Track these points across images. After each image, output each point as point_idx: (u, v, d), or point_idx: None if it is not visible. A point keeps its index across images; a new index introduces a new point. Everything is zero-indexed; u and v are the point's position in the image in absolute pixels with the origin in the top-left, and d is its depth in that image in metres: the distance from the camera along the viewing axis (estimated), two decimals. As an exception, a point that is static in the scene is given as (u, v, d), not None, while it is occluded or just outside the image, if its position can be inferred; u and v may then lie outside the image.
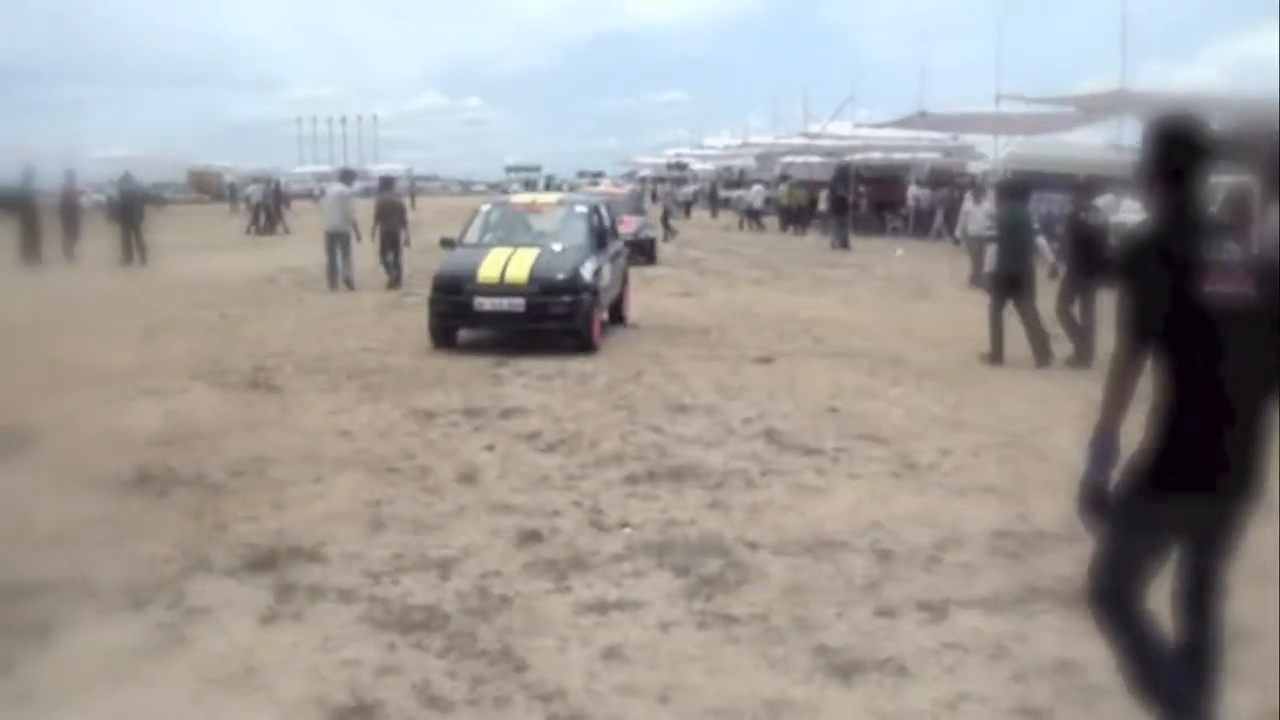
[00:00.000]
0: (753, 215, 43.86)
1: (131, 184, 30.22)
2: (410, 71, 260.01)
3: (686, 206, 54.87)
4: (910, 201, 38.01)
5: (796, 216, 40.98)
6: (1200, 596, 4.08)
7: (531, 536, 6.82)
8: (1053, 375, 12.24)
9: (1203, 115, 4.04)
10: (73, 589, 6.03)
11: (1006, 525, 6.96)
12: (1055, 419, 9.70)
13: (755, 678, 4.93)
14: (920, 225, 36.13)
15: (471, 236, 15.52)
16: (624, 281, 16.50)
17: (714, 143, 66.00)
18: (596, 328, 13.93)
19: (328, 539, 6.77)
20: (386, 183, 24.53)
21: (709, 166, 65.02)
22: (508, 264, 13.79)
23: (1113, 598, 3.97)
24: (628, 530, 6.93)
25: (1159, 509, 3.87)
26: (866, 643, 5.25)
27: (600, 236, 15.23)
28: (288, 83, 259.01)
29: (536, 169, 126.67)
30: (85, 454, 8.77)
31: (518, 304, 13.48)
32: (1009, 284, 12.86)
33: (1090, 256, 12.58)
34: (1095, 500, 3.93)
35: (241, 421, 9.88)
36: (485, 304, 13.59)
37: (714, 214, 52.39)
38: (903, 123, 32.88)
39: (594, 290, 13.86)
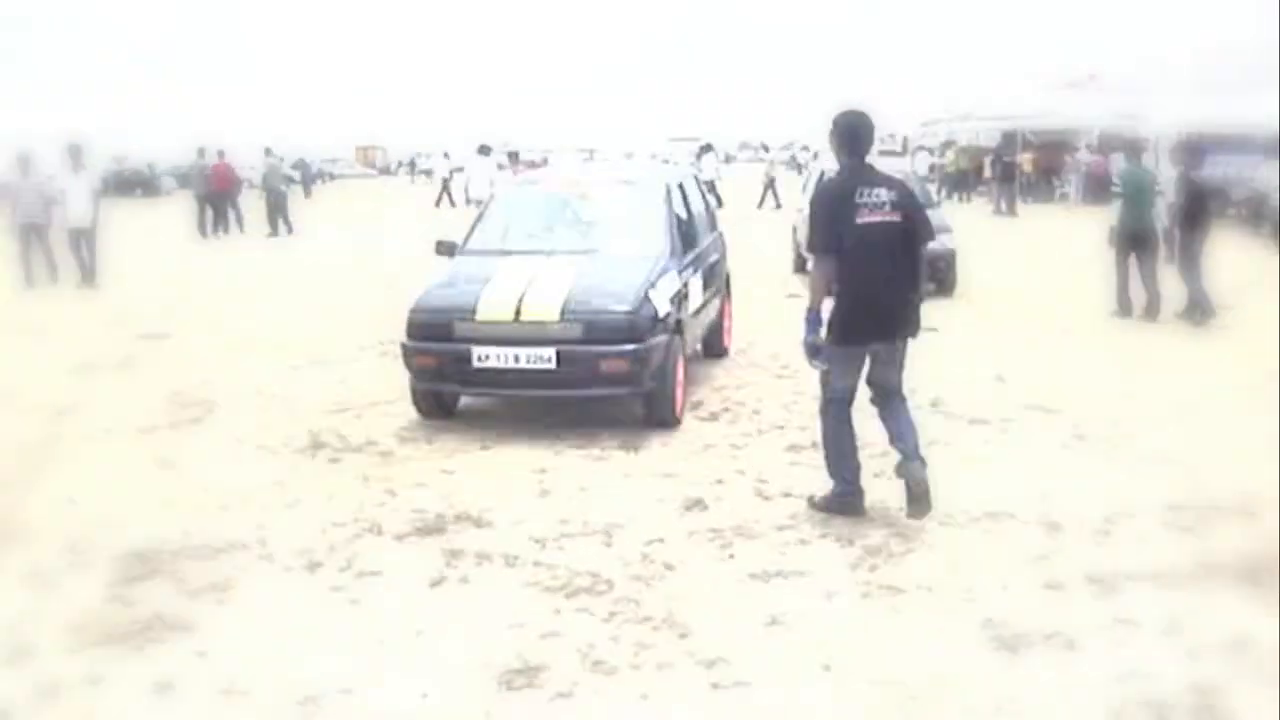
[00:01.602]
0: (920, 183, 43.01)
1: (274, 160, 31.48)
2: (574, 45, 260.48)
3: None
4: (1079, 166, 36.90)
5: (961, 183, 40.13)
6: (884, 394, 6.67)
7: (696, 504, 6.86)
8: (1202, 336, 12.47)
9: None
10: (250, 551, 6.30)
11: (1180, 498, 6.76)
12: (1222, 386, 9.63)
13: (919, 649, 4.90)
14: (1089, 190, 35.07)
15: (480, 238, 9.89)
16: (724, 294, 11.31)
17: (882, 109, 65.00)
18: (680, 388, 8.72)
19: (495, 505, 6.91)
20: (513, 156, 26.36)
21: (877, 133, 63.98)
22: (528, 289, 8.46)
23: (834, 404, 6.62)
24: (791, 500, 6.91)
25: (849, 351, 6.47)
26: (1034, 616, 5.17)
27: (686, 231, 9.90)
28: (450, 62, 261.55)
29: (696, 139, 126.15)
30: (261, 422, 9.09)
31: (543, 357, 8.16)
32: (1131, 240, 13.42)
33: (1197, 216, 13.26)
34: (812, 351, 6.47)
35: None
36: (490, 357, 8.27)
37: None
38: (1071, 85, 31.91)
39: (675, 325, 8.64)
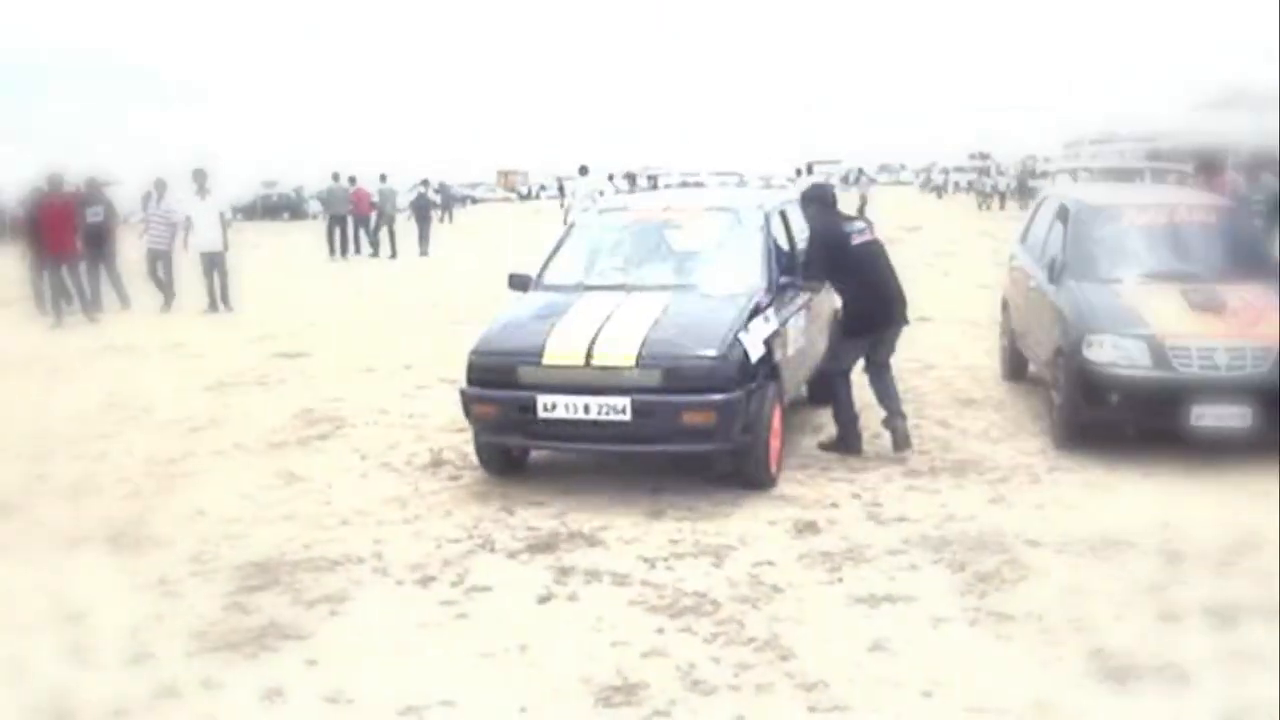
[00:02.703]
0: (1059, 204, 42.24)
1: (388, 188, 32.30)
2: (707, 69, 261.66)
3: (1000, 197, 53.39)
4: (1229, 187, 35.83)
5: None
6: (878, 368, 8.66)
7: (808, 528, 6.82)
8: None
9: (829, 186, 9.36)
10: (367, 565, 6.44)
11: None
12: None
13: (1024, 677, 4.81)
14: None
15: (557, 271, 8.97)
16: (830, 338, 9.77)
17: (1018, 131, 64.04)
18: (776, 444, 7.82)
19: (608, 524, 6.96)
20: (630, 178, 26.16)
21: (1014, 156, 62.98)
22: (602, 329, 7.61)
23: (843, 375, 8.56)
24: (904, 524, 6.83)
25: (859, 340, 8.59)
26: (1146, 647, 5.04)
27: (787, 263, 8.81)
28: (596, 89, 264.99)
29: (838, 161, 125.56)
30: (386, 439, 9.28)
31: (617, 407, 7.25)
32: None
33: None
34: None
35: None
36: (557, 407, 7.37)
37: (1022, 205, 50.74)
38: (1216, 103, 31.02)
39: (770, 371, 7.81)
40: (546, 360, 7.48)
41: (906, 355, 11.57)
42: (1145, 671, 4.81)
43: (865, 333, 8.55)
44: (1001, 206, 51.74)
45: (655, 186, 34.24)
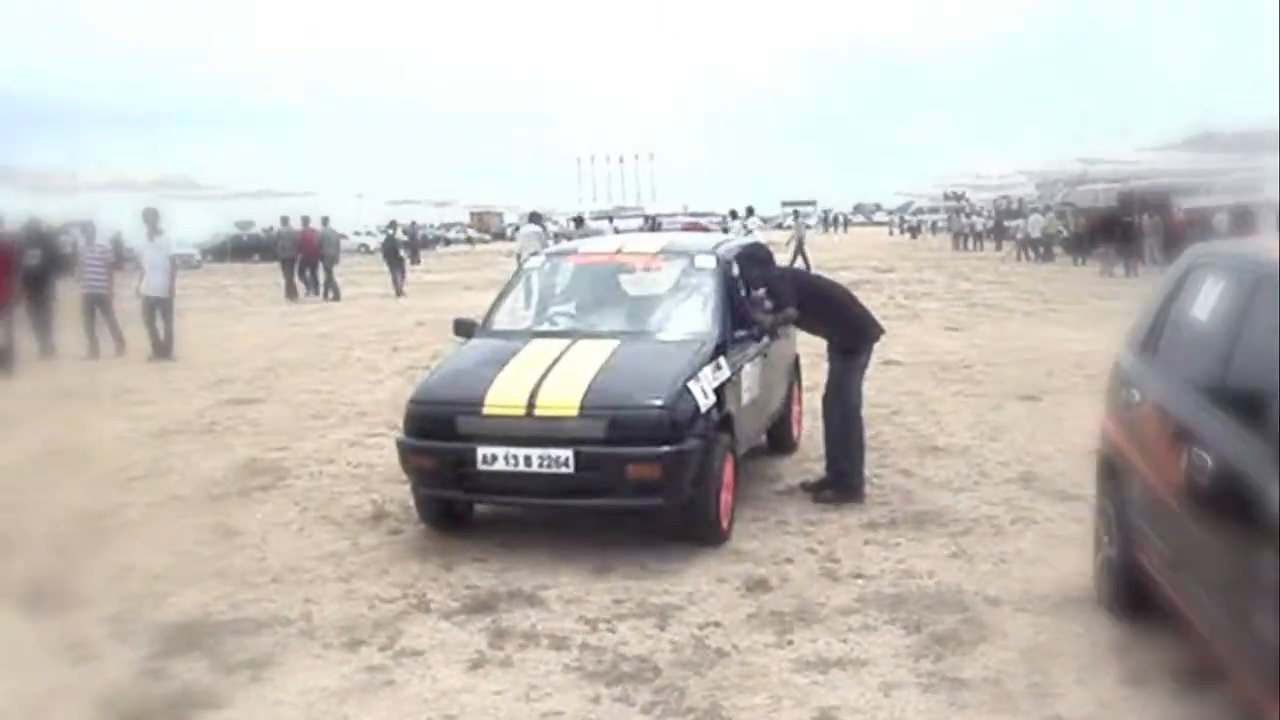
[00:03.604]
0: (1031, 245, 42.28)
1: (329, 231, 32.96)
2: (687, 110, 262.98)
3: (975, 237, 53.49)
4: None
5: (1077, 245, 39.29)
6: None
7: (759, 585, 6.52)
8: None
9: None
10: (293, 626, 6.12)
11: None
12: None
13: (979, 751, 4.50)
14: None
15: (503, 317, 8.67)
16: (789, 385, 9.85)
17: (989, 171, 64.28)
18: (728, 498, 7.44)
19: (550, 582, 6.65)
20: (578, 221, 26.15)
21: (987, 195, 63.34)
22: (545, 377, 7.25)
23: (854, 409, 8.50)
24: (860, 581, 6.54)
25: (858, 359, 8.56)
26: (1108, 715, 4.74)
27: (738, 312, 8.26)
28: (570, 123, 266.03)
29: (813, 202, 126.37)
30: (329, 490, 8.95)
31: (559, 459, 6.88)
32: None
33: None
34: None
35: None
36: (498, 459, 6.98)
37: (998, 245, 50.84)
38: (1188, 145, 31.10)
39: (721, 421, 7.42)
40: (487, 410, 7.13)
41: (872, 402, 11.33)
42: (1108, 744, 4.52)
43: (864, 349, 8.59)
44: (979, 246, 51.78)
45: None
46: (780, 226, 47.35)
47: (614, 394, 7.08)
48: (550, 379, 7.23)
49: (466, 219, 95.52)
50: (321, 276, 30.90)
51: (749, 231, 27.29)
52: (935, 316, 21.69)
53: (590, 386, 7.09)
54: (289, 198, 79.17)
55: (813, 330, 8.89)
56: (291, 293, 30.35)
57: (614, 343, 7.73)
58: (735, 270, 8.59)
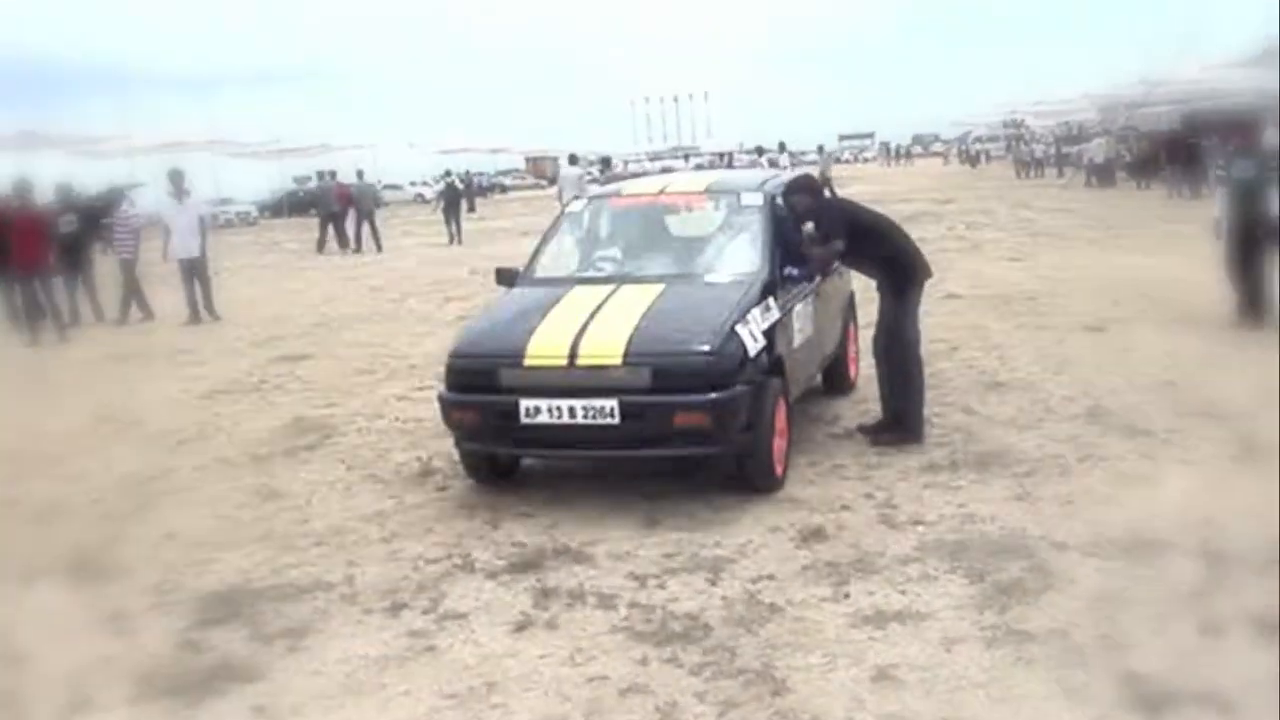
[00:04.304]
0: (1094, 170, 41.32)
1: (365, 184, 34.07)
2: (740, 46, 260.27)
3: (1036, 164, 52.49)
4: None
5: (1141, 169, 38.31)
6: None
7: (815, 535, 6.27)
8: None
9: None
10: (335, 591, 5.98)
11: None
12: None
13: (1046, 709, 4.25)
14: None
15: (545, 264, 8.36)
16: (844, 324, 9.60)
17: (1051, 97, 62.75)
18: (781, 444, 7.18)
19: (599, 537, 6.44)
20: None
21: (1048, 123, 61.93)
22: (588, 325, 7.01)
23: (911, 347, 8.17)
24: (920, 528, 6.27)
25: (911, 295, 8.22)
26: (1185, 668, 4.45)
27: (788, 249, 7.92)
28: (625, 64, 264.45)
29: (870, 135, 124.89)
30: (377, 447, 8.79)
31: (604, 410, 6.63)
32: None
33: None
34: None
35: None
36: (541, 411, 6.74)
37: (1060, 172, 49.81)
38: (1258, 60, 30.05)
39: (772, 365, 7.17)
40: (528, 361, 6.88)
41: (931, 337, 11.06)
42: (1185, 699, 4.23)
43: (917, 285, 8.26)
44: (1040, 174, 50.79)
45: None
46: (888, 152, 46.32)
47: (658, 340, 6.81)
48: (593, 327, 6.97)
49: (523, 165, 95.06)
50: (350, 229, 31.21)
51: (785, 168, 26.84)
52: (996, 247, 21.23)
53: (634, 334, 6.84)
54: (345, 151, 79.50)
55: (859, 267, 8.59)
56: (321, 246, 30.85)
57: (659, 287, 7.45)
58: (783, 206, 8.27)
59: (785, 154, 36.85)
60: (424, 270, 23.70)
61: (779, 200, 8.25)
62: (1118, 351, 10.57)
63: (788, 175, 9.36)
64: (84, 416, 10.72)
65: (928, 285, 8.56)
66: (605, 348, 6.78)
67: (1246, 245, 11.55)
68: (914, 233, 9.15)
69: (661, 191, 9.01)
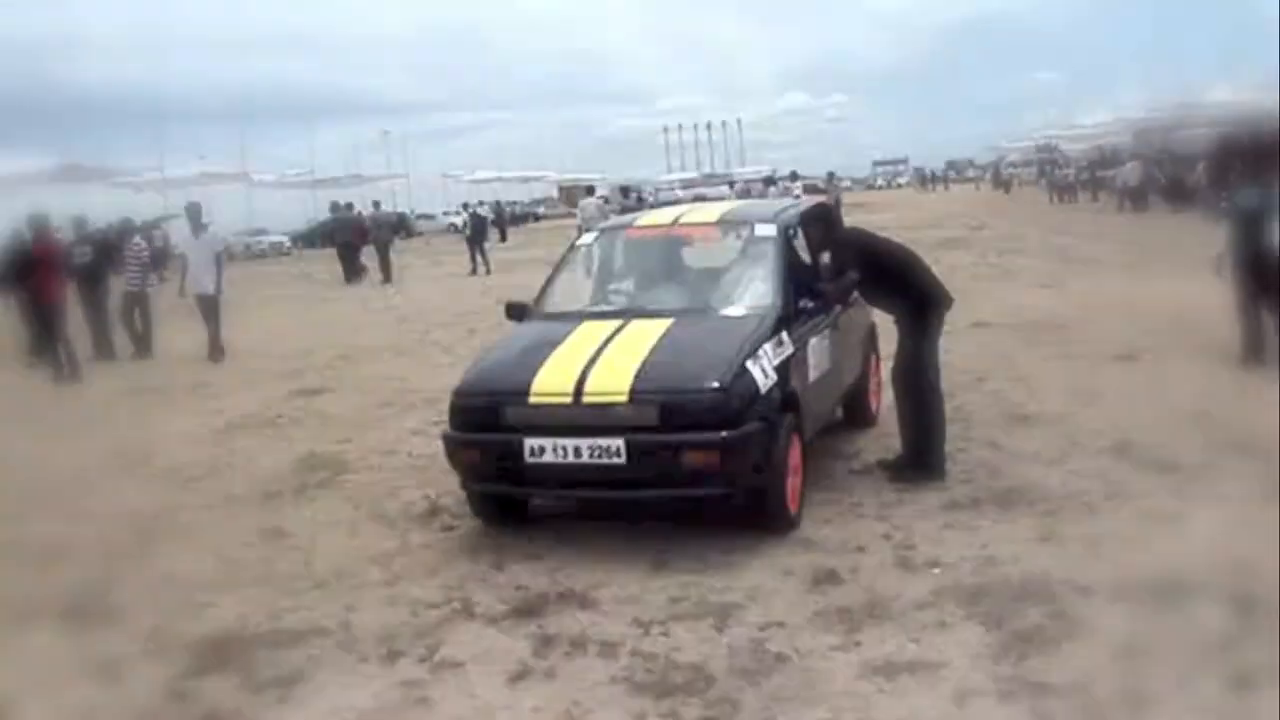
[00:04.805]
0: (1129, 194, 40.88)
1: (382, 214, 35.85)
2: (773, 73, 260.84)
3: (1068, 189, 52.06)
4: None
5: (1175, 193, 37.84)
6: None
7: (828, 578, 6.04)
8: None
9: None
10: (331, 637, 5.80)
11: None
12: None
13: (1063, 773, 3.99)
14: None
15: (555, 297, 8.20)
16: (865, 356, 9.28)
17: (1085, 121, 62.37)
18: (796, 482, 6.95)
19: (605, 580, 6.23)
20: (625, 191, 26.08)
21: (1081, 147, 61.48)
22: (594, 361, 6.79)
23: (930, 381, 7.86)
24: (937, 571, 6.03)
25: (931, 327, 7.93)
26: (1215, 726, 4.20)
27: (804, 286, 7.72)
28: (657, 93, 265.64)
29: (903, 160, 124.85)
30: (387, 485, 8.62)
31: (610, 449, 6.41)
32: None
33: None
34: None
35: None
36: (545, 450, 6.53)
37: (1093, 196, 49.41)
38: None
39: (784, 401, 6.90)
40: (533, 398, 6.67)
41: (957, 368, 10.84)
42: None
43: (937, 315, 7.97)
44: (1074, 199, 50.34)
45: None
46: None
47: (666, 377, 6.59)
48: (599, 363, 6.75)
49: (556, 194, 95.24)
50: (358, 261, 31.70)
51: (796, 197, 26.70)
52: (1028, 273, 20.94)
53: (641, 370, 6.62)
54: (378, 181, 79.92)
55: (874, 302, 8.37)
56: (349, 277, 31.09)
57: (668, 321, 7.22)
58: (799, 236, 8.05)
59: (798, 182, 36.51)
60: (451, 301, 23.57)
61: (794, 230, 8.03)
62: (1149, 382, 10.30)
63: (803, 205, 9.14)
64: (97, 452, 10.59)
65: (954, 314, 8.34)
66: (611, 384, 6.57)
67: (1250, 280, 10.86)
68: (944, 259, 9.02)
69: (674, 223, 8.76)
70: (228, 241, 57.15)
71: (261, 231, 61.87)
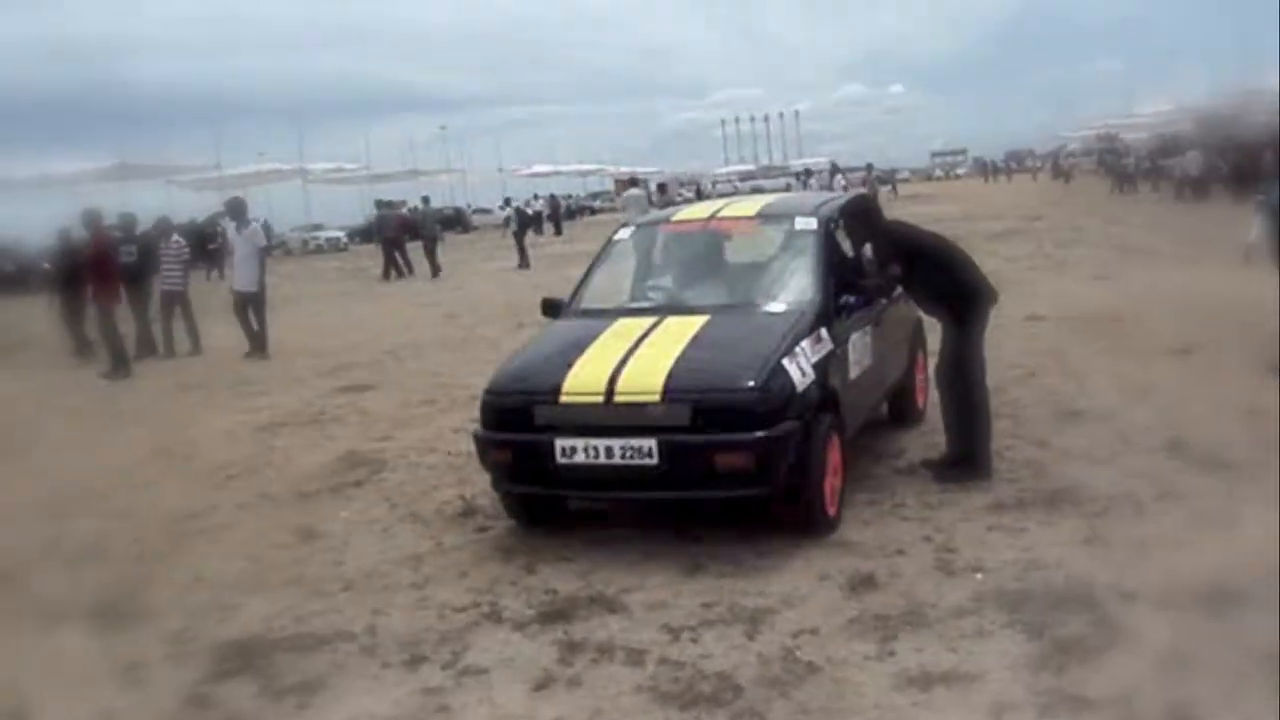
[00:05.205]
0: (1190, 184, 40.14)
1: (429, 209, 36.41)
2: (832, 64, 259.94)
3: (1128, 179, 51.27)
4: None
5: (1236, 183, 37.09)
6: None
7: (865, 583, 5.86)
8: None
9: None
10: (355, 642, 5.70)
11: None
12: None
13: (1101, 794, 3.82)
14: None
15: (592, 293, 8.05)
16: (911, 351, 9.12)
17: (1146, 110, 61.41)
18: (835, 483, 6.75)
19: (637, 584, 6.09)
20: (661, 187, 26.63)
21: (1142, 135, 60.51)
22: (627, 359, 6.64)
23: (977, 381, 7.64)
24: (979, 576, 5.84)
25: (977, 325, 7.65)
26: (1264, 744, 4.00)
27: (845, 281, 7.51)
28: (714, 86, 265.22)
29: (962, 151, 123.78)
30: (424, 484, 8.53)
31: (642, 449, 6.24)
32: None
33: None
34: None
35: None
36: (576, 451, 6.37)
37: (1154, 187, 48.57)
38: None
39: (823, 400, 6.71)
40: (564, 398, 6.52)
41: (1007, 362, 10.64)
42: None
43: (982, 312, 7.72)
44: (1134, 189, 49.53)
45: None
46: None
47: (700, 376, 6.41)
48: (632, 362, 6.59)
49: (612, 187, 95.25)
50: (400, 256, 31.91)
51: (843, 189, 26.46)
52: (1085, 265, 20.56)
53: (674, 369, 6.44)
54: (436, 175, 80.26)
55: (917, 298, 8.15)
56: (388, 273, 31.23)
57: (704, 318, 7.07)
58: (841, 230, 7.86)
59: (839, 175, 36.15)
60: (500, 295, 23.51)
61: (836, 223, 7.84)
62: (1203, 377, 10.01)
63: (845, 198, 8.95)
64: (141, 449, 10.60)
65: (1008, 307, 8.14)
66: (644, 383, 6.40)
67: None
68: (1002, 251, 8.83)
69: (712, 217, 8.53)
70: (284, 237, 58.12)
71: (318, 227, 62.30)
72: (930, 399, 9.15)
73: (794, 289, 7.41)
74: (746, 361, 6.49)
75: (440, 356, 15.42)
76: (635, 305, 7.72)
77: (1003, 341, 11.86)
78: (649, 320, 7.15)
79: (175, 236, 18.67)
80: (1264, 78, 40.95)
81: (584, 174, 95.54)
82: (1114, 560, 5.89)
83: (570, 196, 79.49)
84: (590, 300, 7.96)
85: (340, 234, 60.01)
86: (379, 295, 26.77)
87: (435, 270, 30.70)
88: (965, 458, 7.58)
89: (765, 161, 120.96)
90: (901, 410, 9.05)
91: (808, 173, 36.04)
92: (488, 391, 6.97)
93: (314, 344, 17.49)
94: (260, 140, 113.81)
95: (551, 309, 8.02)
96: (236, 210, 17.73)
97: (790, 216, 8.05)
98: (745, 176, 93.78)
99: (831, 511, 6.69)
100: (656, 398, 6.33)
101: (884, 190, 49.58)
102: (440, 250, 32.04)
